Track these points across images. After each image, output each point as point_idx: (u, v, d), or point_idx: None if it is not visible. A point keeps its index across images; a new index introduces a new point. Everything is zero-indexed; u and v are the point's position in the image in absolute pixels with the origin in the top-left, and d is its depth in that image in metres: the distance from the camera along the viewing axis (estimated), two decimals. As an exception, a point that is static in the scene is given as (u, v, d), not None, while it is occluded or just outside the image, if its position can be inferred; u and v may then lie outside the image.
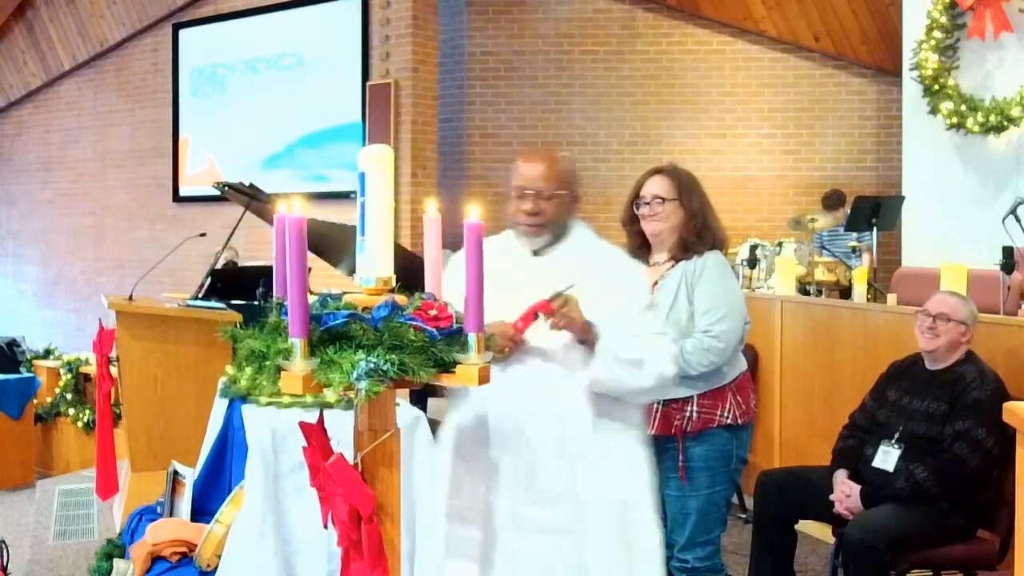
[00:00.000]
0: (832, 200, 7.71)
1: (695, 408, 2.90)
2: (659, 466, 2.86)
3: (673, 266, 2.97)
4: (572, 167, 2.55)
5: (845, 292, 5.89)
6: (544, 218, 2.45)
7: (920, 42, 7.34)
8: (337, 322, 1.78)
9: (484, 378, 1.83)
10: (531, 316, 2.29)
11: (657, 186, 3.00)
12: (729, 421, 2.92)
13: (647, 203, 2.99)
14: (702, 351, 2.86)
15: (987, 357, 3.50)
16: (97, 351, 4.72)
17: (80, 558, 4.47)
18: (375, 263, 1.94)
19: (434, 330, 1.81)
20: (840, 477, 3.53)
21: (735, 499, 4.85)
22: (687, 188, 2.99)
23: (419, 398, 6.03)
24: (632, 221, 3.08)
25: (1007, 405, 2.20)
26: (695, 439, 2.91)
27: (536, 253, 2.51)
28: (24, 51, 12.32)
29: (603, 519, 2.36)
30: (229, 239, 5.57)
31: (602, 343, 2.34)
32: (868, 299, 5.35)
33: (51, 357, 7.81)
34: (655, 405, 2.90)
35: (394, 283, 1.96)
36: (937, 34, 7.21)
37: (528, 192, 2.45)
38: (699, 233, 2.95)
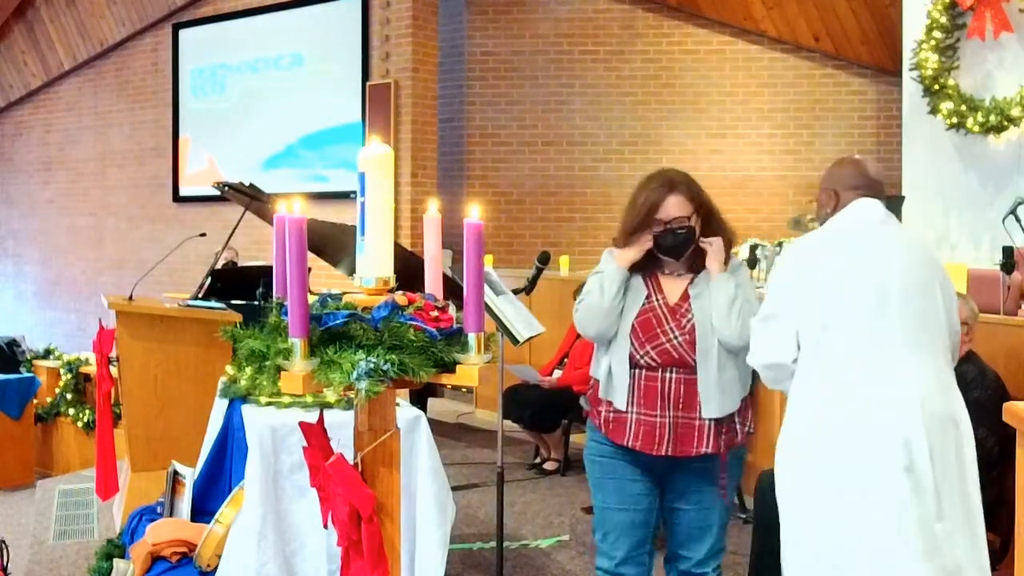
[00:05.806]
0: (832, 200, 7.70)
1: (737, 422, 2.89)
2: (683, 482, 2.89)
3: (697, 274, 2.91)
4: (833, 167, 2.82)
5: (845, 292, 5.88)
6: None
7: (920, 42, 7.33)
8: (337, 322, 1.78)
9: (484, 378, 1.83)
10: None
11: (679, 206, 2.86)
12: (749, 430, 2.94)
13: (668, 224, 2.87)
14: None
15: (987, 357, 3.49)
16: (97, 351, 4.73)
17: (80, 558, 4.46)
18: (375, 263, 1.94)
19: (434, 330, 1.81)
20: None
21: (735, 499, 4.84)
22: (699, 200, 2.93)
23: (419, 398, 6.04)
24: (636, 232, 2.90)
25: (1007, 405, 2.20)
26: (731, 452, 2.91)
27: None
28: (24, 51, 12.32)
29: None
30: (229, 239, 5.57)
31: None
32: (868, 299, 5.33)
33: (51, 357, 7.81)
34: (708, 424, 2.82)
35: (394, 283, 1.96)
36: (937, 34, 7.21)
37: None
38: (727, 241, 2.92)
